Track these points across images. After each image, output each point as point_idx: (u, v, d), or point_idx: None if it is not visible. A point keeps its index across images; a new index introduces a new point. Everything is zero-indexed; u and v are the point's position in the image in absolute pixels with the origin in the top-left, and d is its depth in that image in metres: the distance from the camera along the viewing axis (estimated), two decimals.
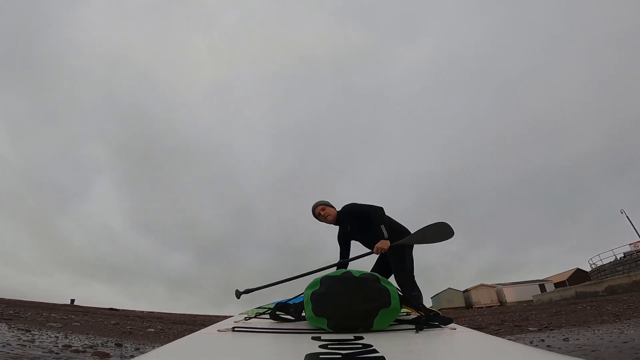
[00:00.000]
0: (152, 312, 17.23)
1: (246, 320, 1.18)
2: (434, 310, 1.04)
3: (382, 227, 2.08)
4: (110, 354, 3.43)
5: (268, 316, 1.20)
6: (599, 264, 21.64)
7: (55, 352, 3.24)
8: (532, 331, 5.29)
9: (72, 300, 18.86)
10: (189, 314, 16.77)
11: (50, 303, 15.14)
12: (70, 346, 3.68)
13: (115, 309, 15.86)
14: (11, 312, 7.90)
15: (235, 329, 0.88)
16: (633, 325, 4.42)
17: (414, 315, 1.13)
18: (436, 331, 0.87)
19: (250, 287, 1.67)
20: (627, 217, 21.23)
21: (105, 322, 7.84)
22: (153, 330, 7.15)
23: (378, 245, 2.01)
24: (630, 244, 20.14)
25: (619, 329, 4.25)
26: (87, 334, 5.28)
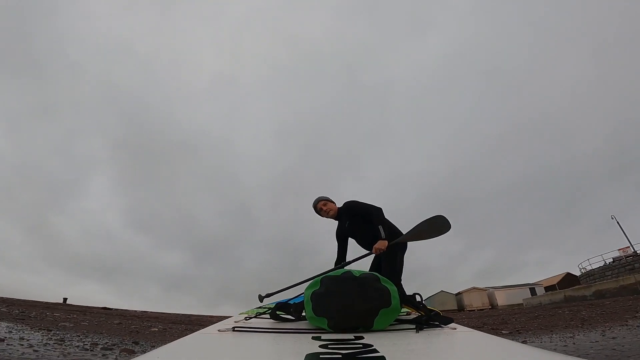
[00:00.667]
0: (146, 311, 17.80)
1: (246, 320, 1.21)
2: (434, 310, 1.07)
3: (381, 227, 2.14)
4: (135, 350, 4.13)
5: (268, 316, 1.24)
6: (589, 268, 22.62)
7: (89, 349, 3.86)
8: (503, 334, 6.04)
9: (65, 299, 19.41)
10: (183, 314, 17.33)
11: (44, 302, 15.70)
12: (97, 344, 4.25)
13: (109, 308, 16.45)
14: (17, 311, 8.47)
15: (236, 328, 0.91)
16: (587, 332, 5.20)
17: (414, 315, 1.16)
18: (436, 331, 0.90)
19: (270, 292, 1.81)
20: (617, 222, 22.42)
21: (109, 322, 8.36)
22: (156, 329, 7.73)
23: (376, 245, 2.06)
24: (619, 249, 21.32)
25: (572, 334, 4.98)
26: (101, 333, 5.67)
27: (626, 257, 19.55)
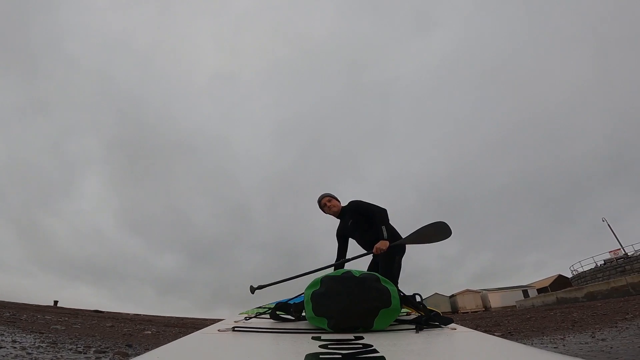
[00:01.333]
0: (138, 314, 17.60)
1: (246, 320, 1.20)
2: (434, 310, 1.07)
3: (383, 227, 2.15)
4: (128, 353, 4.10)
5: (268, 316, 1.23)
6: (580, 270, 22.99)
7: (82, 352, 3.83)
8: (495, 336, 6.20)
9: (56, 302, 19.06)
10: (177, 317, 17.17)
11: (34, 305, 15.42)
12: (90, 347, 4.23)
13: (100, 311, 16.19)
14: (7, 314, 8.32)
15: (236, 328, 0.91)
16: (578, 333, 5.31)
17: (414, 315, 1.16)
18: (436, 331, 0.90)
19: (262, 284, 1.79)
20: (608, 225, 22.90)
21: (102, 325, 8.17)
22: (149, 332, 7.64)
23: (378, 245, 2.06)
24: (610, 252, 21.77)
25: (563, 336, 5.06)
26: (93, 336, 5.56)
27: (617, 259, 19.92)
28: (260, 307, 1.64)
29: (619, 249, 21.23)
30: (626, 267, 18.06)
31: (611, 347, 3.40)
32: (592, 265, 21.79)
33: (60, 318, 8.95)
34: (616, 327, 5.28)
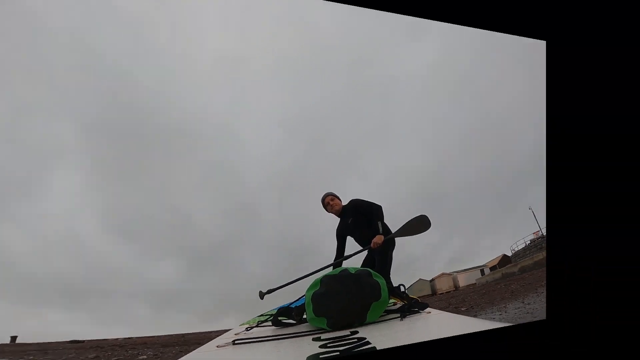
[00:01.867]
0: (130, 338, 15.33)
1: (247, 330, 1.17)
2: (414, 298, 1.16)
3: (379, 223, 2.24)
4: None
5: (270, 323, 1.21)
6: (516, 249, 26.83)
7: None
8: (462, 311, 6.41)
9: (14, 338, 16.28)
10: (177, 334, 14.72)
11: None
12: None
13: (79, 341, 14.13)
14: None
15: (236, 341, 0.87)
16: (514, 301, 5.80)
17: (399, 304, 1.24)
18: (416, 316, 1.00)
19: (271, 288, 1.75)
20: (532, 212, 27.20)
21: (82, 358, 6.90)
22: (145, 357, 6.53)
23: (375, 240, 2.13)
24: (533, 233, 25.90)
25: (505, 305, 5.47)
26: None
27: (538, 238, 23.89)
28: (261, 315, 1.60)
29: (539, 231, 25.62)
30: (543, 244, 21.65)
31: (534, 309, 4.43)
32: (523, 245, 25.76)
33: (23, 357, 7.48)
34: (536, 292, 6.51)
